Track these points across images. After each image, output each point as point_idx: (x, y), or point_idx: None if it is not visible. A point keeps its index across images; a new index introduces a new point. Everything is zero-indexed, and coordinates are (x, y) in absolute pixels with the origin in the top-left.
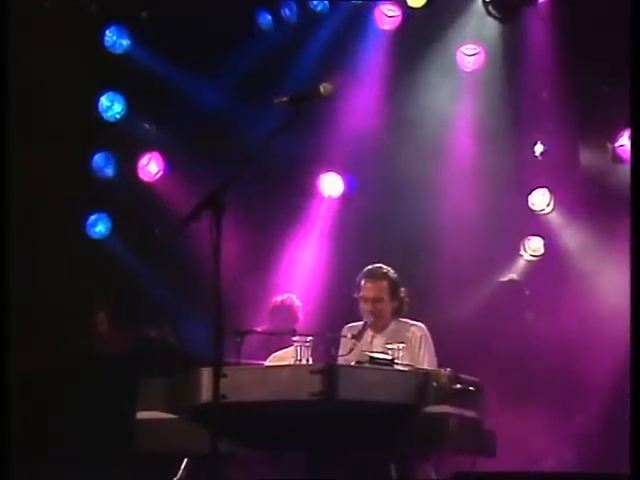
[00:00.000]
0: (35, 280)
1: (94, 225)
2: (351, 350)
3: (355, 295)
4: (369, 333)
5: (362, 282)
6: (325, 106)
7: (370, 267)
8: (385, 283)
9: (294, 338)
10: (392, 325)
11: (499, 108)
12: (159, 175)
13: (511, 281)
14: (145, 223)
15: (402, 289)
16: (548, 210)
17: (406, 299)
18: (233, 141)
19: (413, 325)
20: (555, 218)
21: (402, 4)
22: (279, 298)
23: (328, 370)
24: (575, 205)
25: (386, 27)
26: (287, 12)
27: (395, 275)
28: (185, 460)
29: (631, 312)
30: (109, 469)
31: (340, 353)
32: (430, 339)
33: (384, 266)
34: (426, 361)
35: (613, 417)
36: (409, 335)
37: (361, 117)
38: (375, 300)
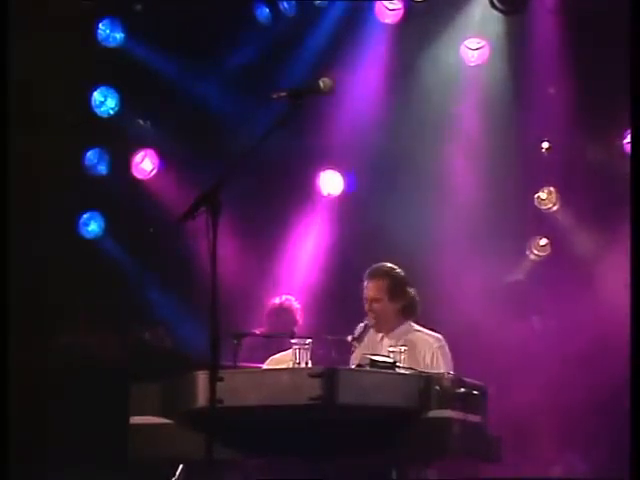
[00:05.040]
0: (27, 280)
1: (87, 224)
2: (352, 352)
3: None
4: (378, 334)
5: (365, 281)
6: (324, 101)
7: (373, 266)
8: (384, 282)
9: (293, 340)
10: (403, 327)
11: (504, 104)
12: (154, 173)
13: (517, 282)
14: (139, 222)
15: (409, 288)
16: (555, 209)
17: (416, 299)
18: (230, 137)
19: (429, 335)
20: (562, 217)
21: None
22: (277, 300)
23: (327, 374)
24: (582, 203)
25: (387, 21)
26: (286, 5)
27: (399, 273)
28: (180, 466)
29: (631, 313)
30: (104, 473)
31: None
32: (448, 351)
33: (388, 264)
34: None
35: (622, 423)
36: (421, 343)
37: (361, 113)
38: (373, 300)
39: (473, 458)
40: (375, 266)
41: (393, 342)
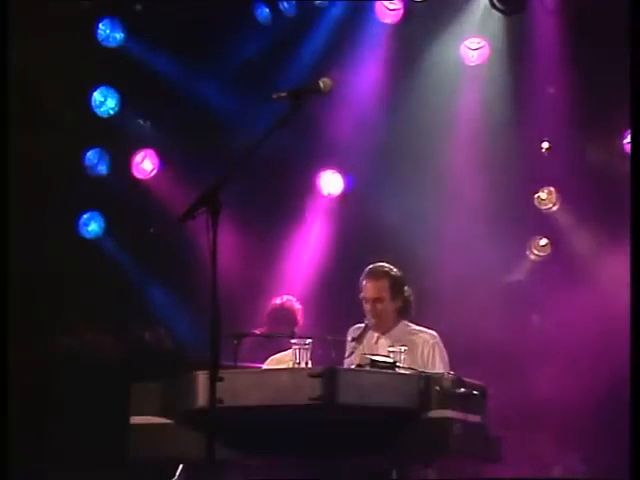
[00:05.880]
0: (27, 280)
1: (87, 224)
2: (351, 353)
3: (360, 296)
4: (374, 335)
5: (363, 282)
6: (324, 101)
7: (371, 266)
8: (386, 282)
9: (293, 340)
10: (399, 327)
11: (504, 104)
12: (154, 173)
13: (517, 282)
14: (139, 222)
15: (406, 288)
16: (555, 209)
17: (411, 298)
18: (230, 137)
19: (425, 332)
20: (562, 217)
21: None
22: (278, 300)
23: (328, 374)
24: (582, 203)
25: (387, 20)
26: (286, 5)
27: (398, 273)
28: (181, 466)
29: (631, 312)
30: (105, 474)
31: (346, 356)
32: (443, 347)
33: (386, 264)
34: (439, 370)
35: (622, 423)
36: (419, 342)
37: (361, 113)
38: (375, 300)
39: (473, 458)
40: (374, 266)
41: (390, 342)
